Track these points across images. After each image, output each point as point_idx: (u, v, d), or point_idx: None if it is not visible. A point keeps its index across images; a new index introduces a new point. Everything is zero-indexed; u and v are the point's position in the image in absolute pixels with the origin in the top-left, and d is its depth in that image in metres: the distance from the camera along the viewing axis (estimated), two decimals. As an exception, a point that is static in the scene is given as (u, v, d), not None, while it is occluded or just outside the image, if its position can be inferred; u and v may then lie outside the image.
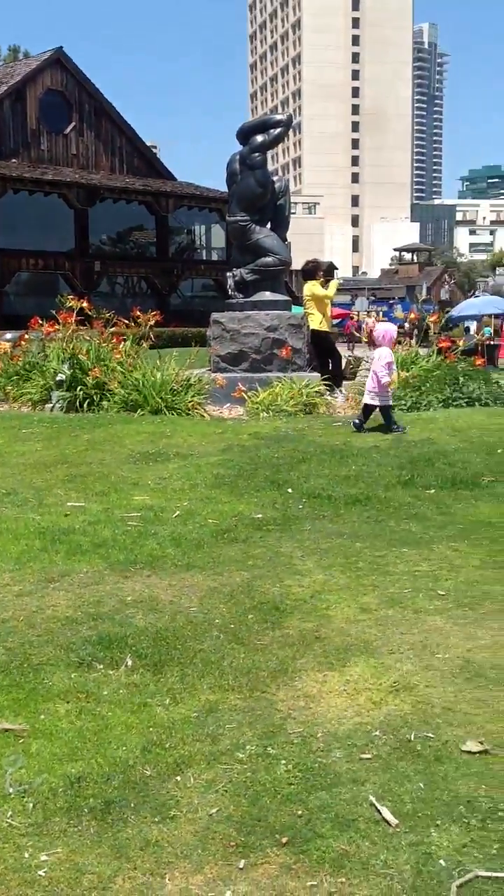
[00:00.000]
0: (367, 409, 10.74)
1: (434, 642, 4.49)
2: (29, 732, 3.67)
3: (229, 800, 3.18)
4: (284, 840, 2.93)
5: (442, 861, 2.80)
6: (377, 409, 10.67)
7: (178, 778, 3.33)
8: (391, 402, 10.78)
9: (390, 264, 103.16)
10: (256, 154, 14.22)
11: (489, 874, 2.72)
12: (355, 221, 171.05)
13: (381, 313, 54.76)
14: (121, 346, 13.88)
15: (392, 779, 3.28)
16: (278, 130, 14.58)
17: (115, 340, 14.14)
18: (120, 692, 4.05)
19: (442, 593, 5.19)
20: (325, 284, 14.88)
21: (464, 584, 5.33)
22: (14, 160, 39.70)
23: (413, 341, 16.54)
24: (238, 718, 3.78)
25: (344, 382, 14.93)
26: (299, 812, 3.08)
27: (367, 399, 10.71)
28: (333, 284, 15.31)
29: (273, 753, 3.47)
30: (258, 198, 14.34)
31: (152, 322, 14.57)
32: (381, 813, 3.06)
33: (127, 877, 2.78)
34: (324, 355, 14.84)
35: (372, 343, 13.98)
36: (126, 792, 3.23)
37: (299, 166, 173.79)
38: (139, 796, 3.20)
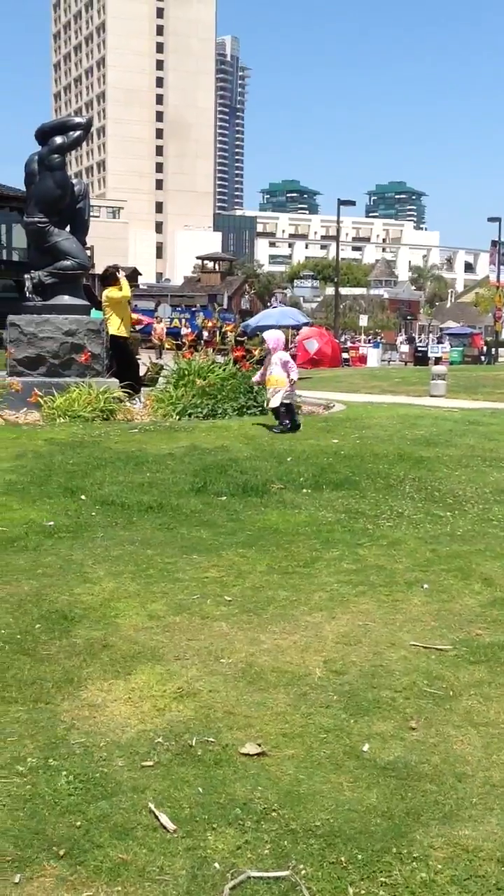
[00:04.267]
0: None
1: (219, 647, 4.57)
2: None
3: (7, 814, 3.12)
4: (62, 852, 2.91)
5: (217, 864, 2.86)
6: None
7: (-46, 794, 3.24)
8: (277, 404, 11.38)
9: (193, 272, 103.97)
10: (55, 156, 14.03)
11: (260, 874, 2.80)
12: (159, 228, 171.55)
13: (184, 320, 55.24)
14: None
15: (172, 785, 3.32)
16: (77, 133, 14.46)
17: None
18: None
19: (228, 599, 5.29)
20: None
21: (250, 590, 5.45)
22: None
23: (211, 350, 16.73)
24: (20, 731, 3.72)
25: (143, 389, 14.94)
26: (78, 823, 3.07)
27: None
28: (124, 283, 15.20)
29: (54, 765, 3.44)
30: (57, 200, 14.15)
31: None
32: (159, 819, 3.09)
33: None
34: (122, 361, 14.80)
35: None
36: None
37: (104, 170, 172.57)
38: None
